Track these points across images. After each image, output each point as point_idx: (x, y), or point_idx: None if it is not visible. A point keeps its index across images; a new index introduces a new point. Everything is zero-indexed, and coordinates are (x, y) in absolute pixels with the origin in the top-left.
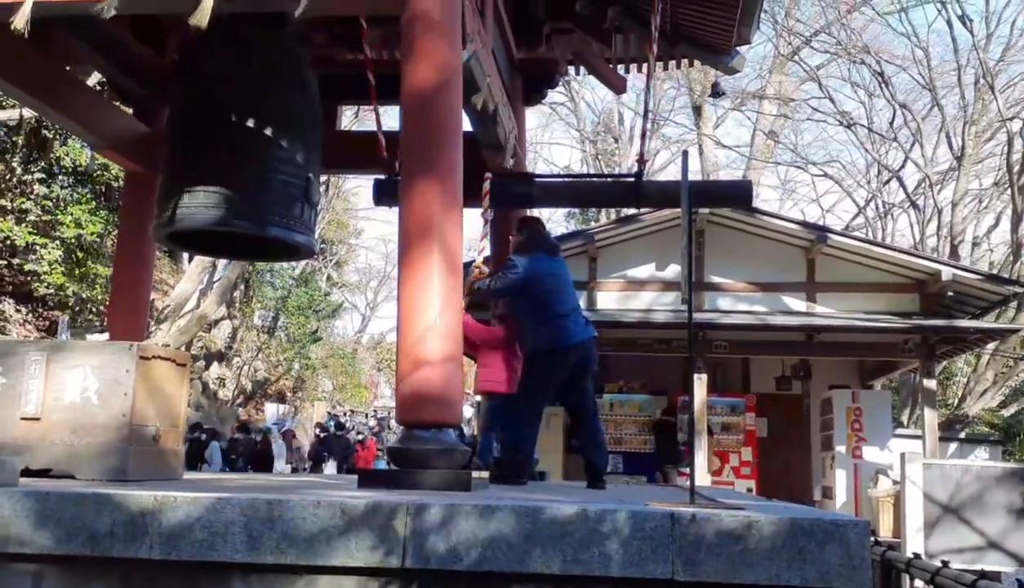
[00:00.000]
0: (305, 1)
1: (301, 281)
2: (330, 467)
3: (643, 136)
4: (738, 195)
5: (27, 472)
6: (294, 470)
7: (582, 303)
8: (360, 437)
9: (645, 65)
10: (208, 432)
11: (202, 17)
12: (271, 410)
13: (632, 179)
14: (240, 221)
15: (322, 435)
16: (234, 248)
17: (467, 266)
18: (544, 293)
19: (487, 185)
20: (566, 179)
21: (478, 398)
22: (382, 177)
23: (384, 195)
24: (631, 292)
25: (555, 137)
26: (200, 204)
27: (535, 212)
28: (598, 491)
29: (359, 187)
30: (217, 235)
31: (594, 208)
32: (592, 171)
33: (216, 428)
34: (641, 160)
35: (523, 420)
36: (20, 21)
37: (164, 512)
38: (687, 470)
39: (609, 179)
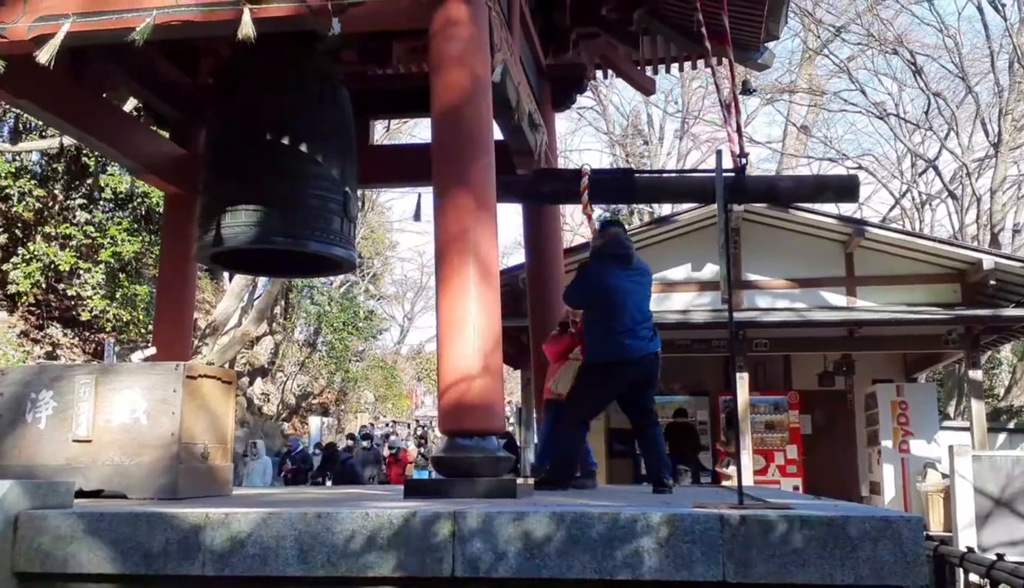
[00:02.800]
0: (337, 21)
1: (340, 297)
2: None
3: (739, 131)
4: (841, 188)
5: (80, 493)
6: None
7: None
8: (392, 450)
9: (683, 64)
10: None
11: (247, 31)
12: (315, 423)
13: (734, 174)
14: (281, 238)
15: (326, 453)
16: (276, 265)
17: (502, 273)
18: (607, 306)
19: (586, 180)
20: (664, 174)
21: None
22: (427, 191)
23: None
24: (667, 293)
25: (584, 142)
26: (242, 223)
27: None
28: (646, 494)
29: (392, 200)
30: (258, 253)
31: (697, 203)
32: (647, 169)
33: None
34: (741, 154)
35: (567, 428)
36: (45, 55)
37: (216, 528)
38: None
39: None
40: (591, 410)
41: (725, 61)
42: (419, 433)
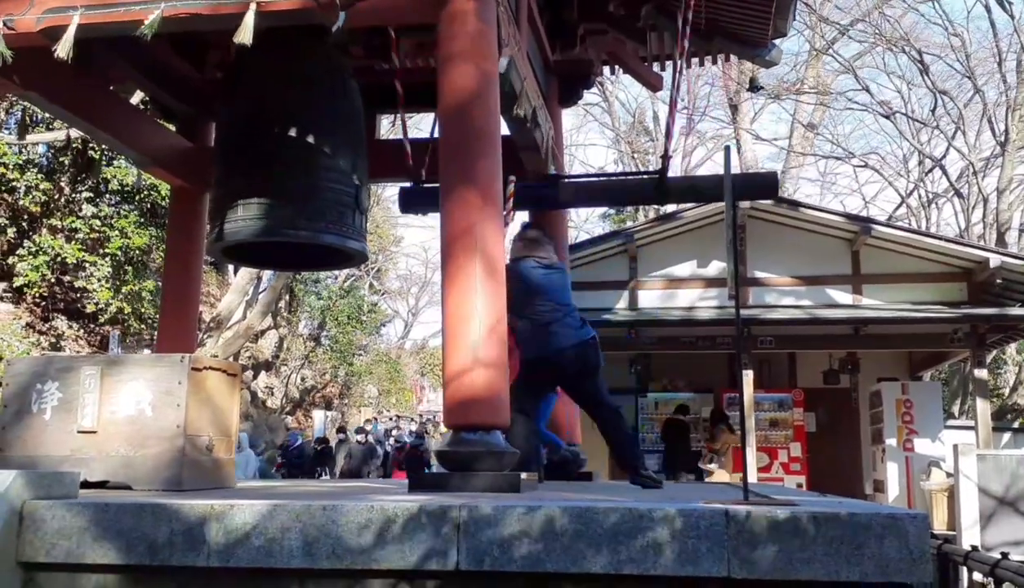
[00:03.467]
0: (343, 14)
1: (344, 291)
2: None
3: (667, 133)
4: (763, 185)
5: (85, 484)
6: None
7: (623, 303)
8: (399, 444)
9: (690, 60)
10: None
11: (245, 35)
12: (319, 417)
13: (657, 175)
14: (295, 231)
15: (319, 448)
16: (288, 259)
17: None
18: (527, 302)
19: (511, 188)
20: (591, 178)
21: None
22: (407, 185)
23: (411, 203)
24: (673, 290)
25: (590, 138)
26: (254, 216)
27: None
28: (650, 490)
29: (397, 195)
30: (270, 247)
31: (624, 207)
32: (628, 170)
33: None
34: (665, 156)
35: (512, 425)
36: (63, 49)
37: (221, 520)
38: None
39: (632, 176)
40: (525, 402)
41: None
42: (417, 429)
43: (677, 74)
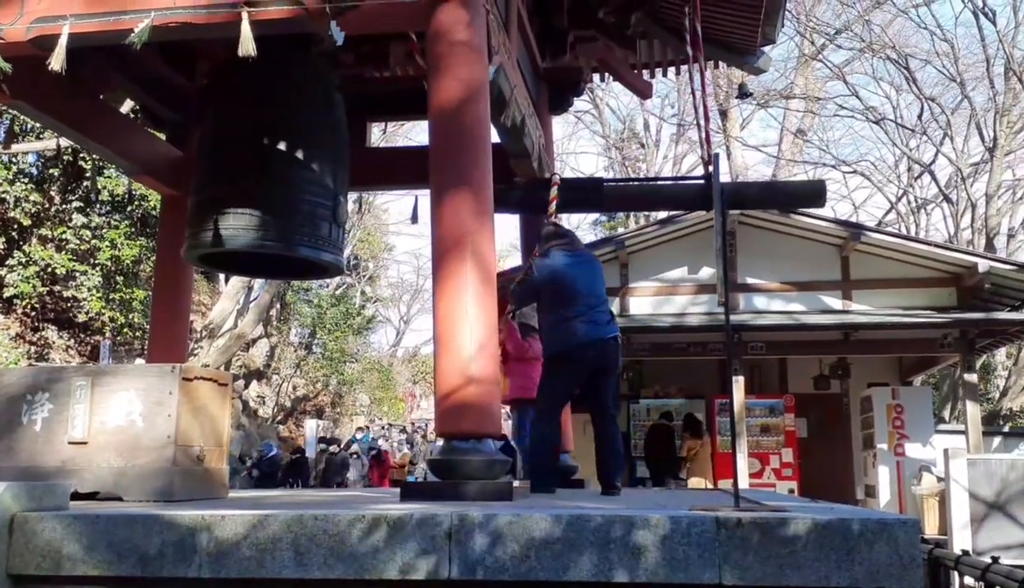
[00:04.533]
0: (335, 23)
1: (336, 299)
2: None
3: (707, 139)
4: (811, 194)
5: (76, 495)
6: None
7: (614, 309)
8: (374, 451)
9: (680, 68)
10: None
11: (247, 46)
12: (310, 426)
13: (703, 181)
14: (270, 242)
15: (294, 457)
16: (264, 267)
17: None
18: (556, 293)
19: (555, 190)
20: (634, 183)
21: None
22: (425, 193)
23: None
24: (664, 296)
25: (581, 145)
26: (230, 226)
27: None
28: (641, 496)
29: (388, 202)
30: (248, 255)
31: (667, 210)
32: (618, 177)
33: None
34: (707, 162)
35: (537, 426)
36: (57, 61)
37: (212, 531)
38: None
39: (679, 182)
40: (556, 403)
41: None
42: (407, 438)
43: (702, 79)
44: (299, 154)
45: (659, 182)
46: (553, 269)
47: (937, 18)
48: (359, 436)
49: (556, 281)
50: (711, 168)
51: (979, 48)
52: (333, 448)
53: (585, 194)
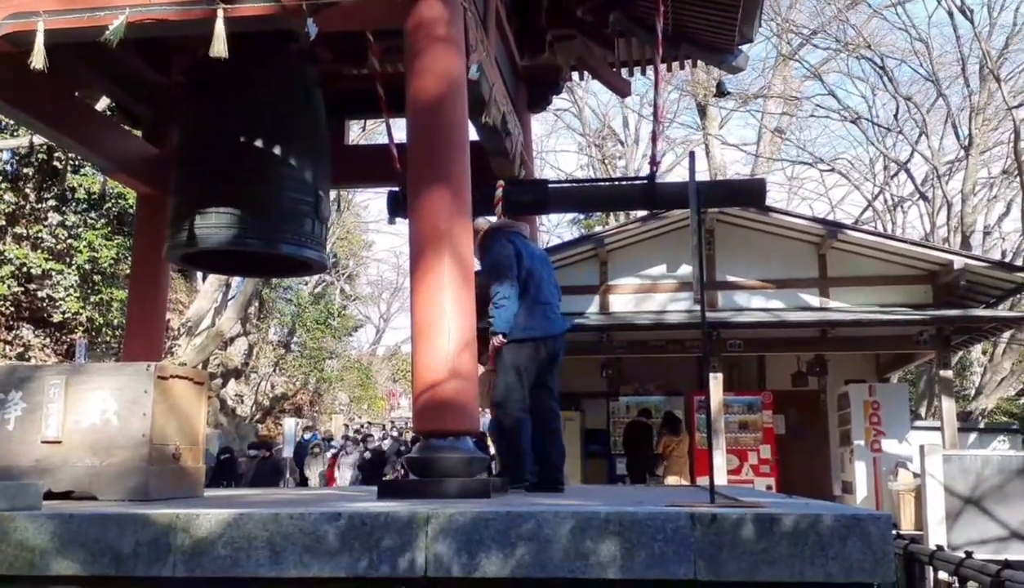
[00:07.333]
0: (311, 20)
1: (315, 297)
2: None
3: (654, 138)
4: (750, 193)
5: (49, 495)
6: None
7: (594, 307)
8: (334, 450)
9: (650, 67)
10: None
11: (219, 46)
12: (289, 425)
13: (645, 181)
14: (252, 240)
15: (222, 457)
16: (247, 265)
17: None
18: (527, 278)
19: (499, 192)
20: (578, 184)
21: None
22: (395, 190)
23: (399, 208)
24: (643, 294)
25: (561, 143)
26: (212, 224)
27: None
28: (618, 494)
29: (368, 200)
30: (230, 253)
31: (609, 212)
32: (599, 176)
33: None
34: (653, 162)
35: (507, 422)
36: (38, 60)
37: (187, 530)
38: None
39: (622, 182)
40: (523, 386)
41: (689, 63)
42: (356, 437)
43: (657, 78)
44: (279, 150)
45: (601, 183)
46: (524, 252)
47: (912, 18)
48: (307, 436)
49: (523, 265)
50: (655, 168)
51: (954, 48)
52: (254, 452)
53: (530, 195)
